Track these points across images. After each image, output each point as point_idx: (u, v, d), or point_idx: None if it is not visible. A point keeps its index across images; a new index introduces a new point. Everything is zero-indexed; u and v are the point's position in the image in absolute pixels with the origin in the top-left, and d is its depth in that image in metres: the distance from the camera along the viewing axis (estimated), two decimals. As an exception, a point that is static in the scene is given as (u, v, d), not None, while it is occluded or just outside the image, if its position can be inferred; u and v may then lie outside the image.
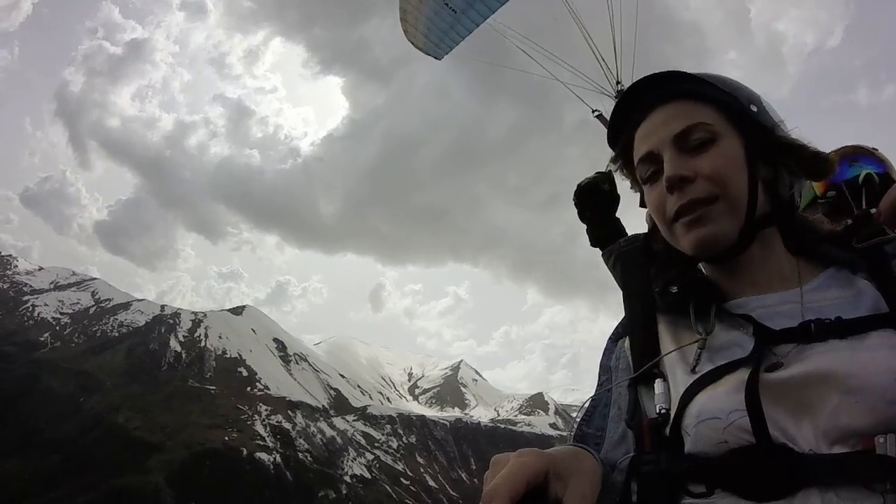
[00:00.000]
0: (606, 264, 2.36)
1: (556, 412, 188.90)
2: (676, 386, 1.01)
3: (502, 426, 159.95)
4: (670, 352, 1.06)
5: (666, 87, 1.10)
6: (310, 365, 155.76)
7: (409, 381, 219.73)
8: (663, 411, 0.99)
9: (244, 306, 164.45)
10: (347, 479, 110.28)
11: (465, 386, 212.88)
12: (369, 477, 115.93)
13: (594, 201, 2.34)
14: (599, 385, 1.22)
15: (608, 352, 1.23)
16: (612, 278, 2.25)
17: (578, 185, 2.32)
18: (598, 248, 2.46)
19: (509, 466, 0.80)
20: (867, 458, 0.82)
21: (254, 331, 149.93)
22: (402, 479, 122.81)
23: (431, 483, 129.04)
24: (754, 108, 1.07)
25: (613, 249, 2.33)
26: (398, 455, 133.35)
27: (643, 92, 1.13)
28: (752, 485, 0.87)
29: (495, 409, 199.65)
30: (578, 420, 1.20)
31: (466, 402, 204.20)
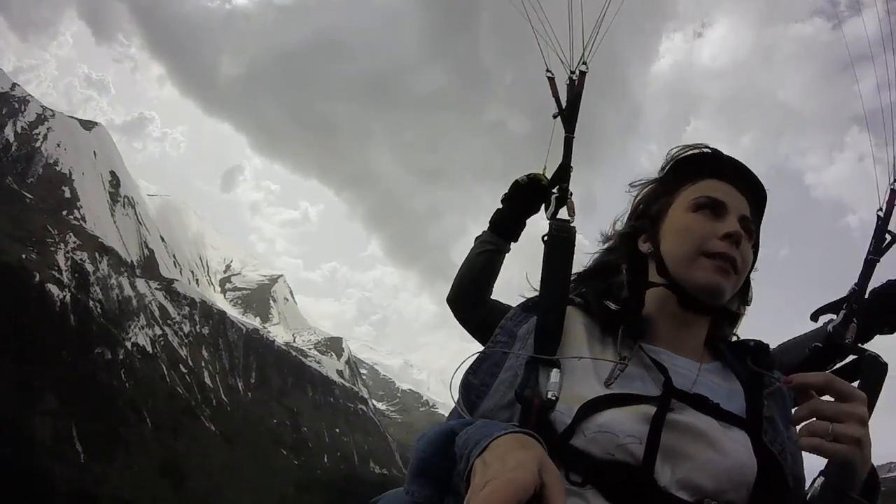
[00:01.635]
0: (477, 243, 2.36)
1: (347, 361, 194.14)
2: (577, 385, 1.17)
3: (294, 353, 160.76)
4: (595, 358, 1.22)
5: (745, 182, 1.35)
6: (135, 214, 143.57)
7: (225, 272, 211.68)
8: (554, 398, 1.14)
9: (97, 123, 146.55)
10: (129, 345, 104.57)
11: (274, 301, 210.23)
12: (150, 351, 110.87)
13: (534, 198, 2.24)
14: (494, 342, 1.31)
15: (516, 318, 1.33)
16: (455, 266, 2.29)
17: (537, 178, 2.18)
18: (488, 230, 2.37)
19: (500, 488, 0.81)
20: None
21: (95, 154, 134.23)
22: (180, 366, 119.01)
23: (208, 381, 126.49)
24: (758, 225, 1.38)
25: (496, 244, 2.33)
26: (186, 341, 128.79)
27: (727, 163, 1.37)
28: (619, 494, 1.05)
29: (293, 335, 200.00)
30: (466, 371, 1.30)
31: (270, 316, 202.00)
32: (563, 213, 1.55)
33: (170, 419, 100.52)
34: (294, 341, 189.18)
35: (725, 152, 1.39)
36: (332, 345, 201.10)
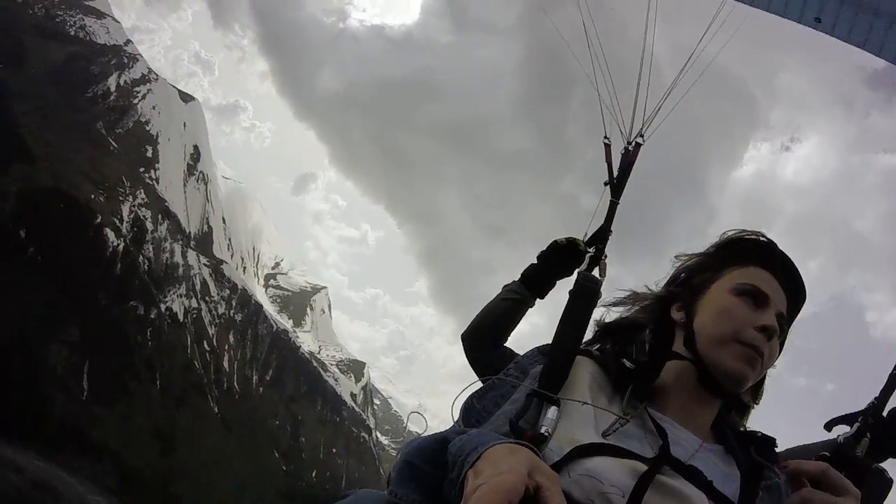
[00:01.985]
0: (504, 290, 2.41)
1: (364, 387, 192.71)
2: (574, 430, 1.19)
3: (315, 364, 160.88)
4: (598, 407, 1.24)
5: (795, 277, 1.38)
6: (206, 191, 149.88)
7: (273, 269, 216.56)
8: (547, 434, 1.17)
9: (194, 98, 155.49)
10: (163, 307, 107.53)
11: (311, 309, 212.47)
12: (181, 320, 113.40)
13: (570, 261, 2.29)
14: (507, 374, 1.38)
15: (532, 357, 1.41)
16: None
17: (576, 243, 2.25)
18: (520, 283, 2.47)
19: (490, 491, 0.84)
20: None
21: (185, 125, 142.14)
22: (204, 343, 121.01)
23: (226, 364, 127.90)
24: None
25: (524, 295, 2.39)
26: (217, 321, 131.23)
27: (778, 256, 1.39)
28: None
29: (320, 346, 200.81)
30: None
31: (303, 323, 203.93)
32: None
33: (179, 388, 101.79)
34: (319, 353, 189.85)
35: None
36: (354, 367, 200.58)
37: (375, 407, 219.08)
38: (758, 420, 1.52)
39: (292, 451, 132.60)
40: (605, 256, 1.88)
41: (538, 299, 2.45)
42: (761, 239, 1.42)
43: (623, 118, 2.03)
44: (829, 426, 1.88)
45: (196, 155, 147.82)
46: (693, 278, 1.43)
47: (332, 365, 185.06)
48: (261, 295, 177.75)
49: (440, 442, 1.08)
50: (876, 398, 1.85)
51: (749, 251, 1.40)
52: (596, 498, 1.08)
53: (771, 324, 1.28)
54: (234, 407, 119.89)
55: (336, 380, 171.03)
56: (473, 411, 1.32)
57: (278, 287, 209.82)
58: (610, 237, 1.93)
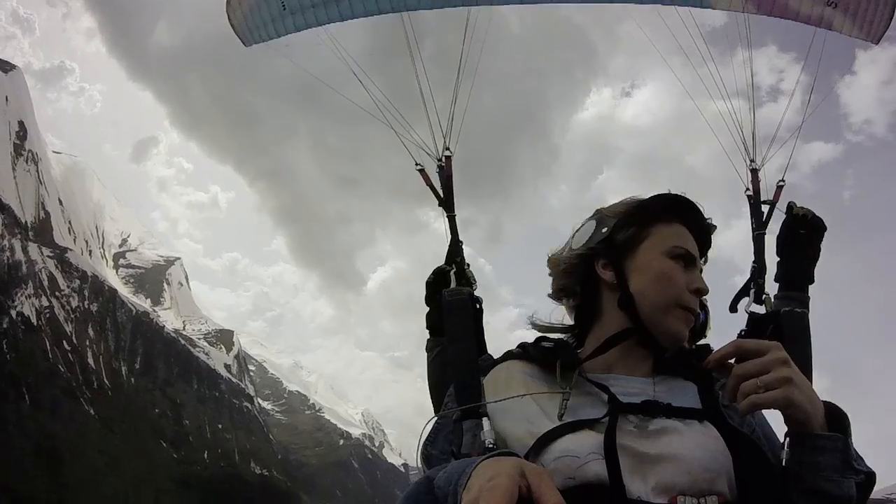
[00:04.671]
0: (427, 352, 2.38)
1: (237, 356, 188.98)
2: (527, 426, 1.23)
3: (182, 342, 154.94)
4: (527, 394, 1.28)
5: (697, 216, 1.46)
6: (37, 172, 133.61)
7: (120, 247, 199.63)
8: (491, 445, 1.23)
9: (15, 66, 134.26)
10: (13, 313, 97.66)
11: (168, 284, 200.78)
12: (35, 323, 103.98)
13: (447, 285, 2.15)
14: (445, 409, 1.40)
15: None
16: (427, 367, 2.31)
17: (441, 268, 2.20)
18: (430, 335, 2.39)
19: (486, 497, 0.86)
20: None
21: (7, 99, 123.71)
22: (64, 343, 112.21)
23: (91, 361, 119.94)
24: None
25: (441, 342, 2.25)
26: (72, 316, 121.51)
27: (684, 205, 1.45)
28: None
29: (184, 322, 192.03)
30: (423, 440, 1.36)
31: (162, 300, 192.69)
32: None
33: (49, 398, 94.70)
34: (184, 329, 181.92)
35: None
36: (223, 337, 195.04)
37: (252, 374, 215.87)
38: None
39: (179, 437, 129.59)
40: (468, 265, 1.95)
41: None
42: (686, 198, 1.45)
43: (426, 143, 2.18)
44: (732, 308, 2.19)
45: (22, 132, 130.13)
46: (616, 234, 1.43)
47: (199, 339, 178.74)
48: (113, 278, 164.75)
49: (425, 483, 1.09)
50: (754, 262, 2.26)
51: (673, 209, 1.44)
52: (576, 472, 1.12)
53: (704, 286, 1.37)
54: (110, 404, 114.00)
55: (207, 354, 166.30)
56: (433, 459, 1.33)
57: (129, 266, 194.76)
58: (462, 246, 1.99)
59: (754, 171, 2.40)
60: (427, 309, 2.31)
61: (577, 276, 1.46)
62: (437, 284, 2.17)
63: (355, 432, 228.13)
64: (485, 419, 1.26)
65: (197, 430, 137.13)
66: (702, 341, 1.44)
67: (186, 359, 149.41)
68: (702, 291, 1.37)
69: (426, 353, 2.36)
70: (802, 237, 2.21)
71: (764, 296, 2.13)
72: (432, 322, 2.31)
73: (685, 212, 1.45)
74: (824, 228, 2.25)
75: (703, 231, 1.47)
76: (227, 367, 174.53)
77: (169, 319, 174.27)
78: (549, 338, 1.46)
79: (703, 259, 1.47)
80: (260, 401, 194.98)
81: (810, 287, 2.25)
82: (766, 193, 2.41)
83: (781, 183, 2.39)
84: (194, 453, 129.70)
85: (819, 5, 2.64)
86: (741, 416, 1.26)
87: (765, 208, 2.40)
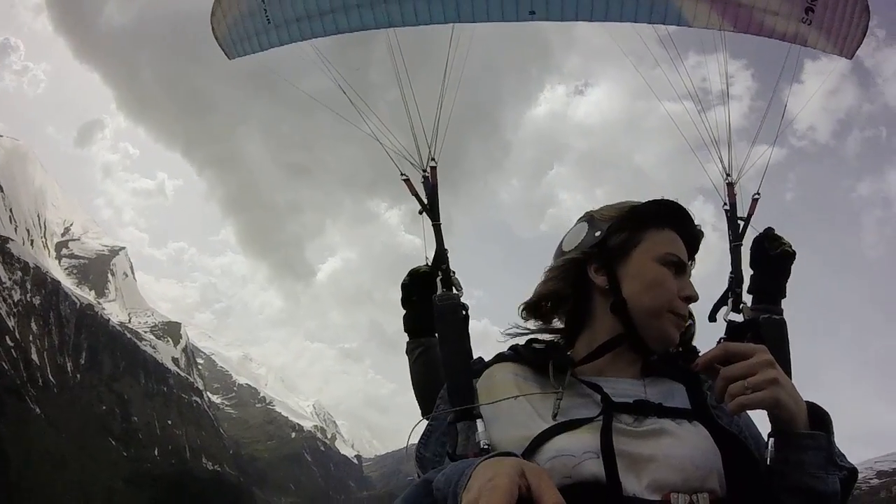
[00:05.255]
0: (409, 354, 2.39)
1: (185, 349, 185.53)
2: (521, 427, 1.25)
3: (128, 335, 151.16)
4: (530, 394, 1.30)
5: (688, 223, 1.48)
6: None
7: (63, 235, 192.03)
8: (486, 446, 1.25)
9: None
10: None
11: (113, 275, 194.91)
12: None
13: (425, 288, 2.21)
14: (437, 411, 1.42)
15: None
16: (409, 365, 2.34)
17: (417, 270, 2.25)
18: (408, 335, 2.41)
19: (486, 497, 0.87)
20: None
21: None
22: (6, 339, 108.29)
23: (35, 357, 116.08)
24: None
25: (423, 343, 2.35)
26: (14, 311, 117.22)
27: (677, 212, 1.47)
28: None
29: (129, 315, 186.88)
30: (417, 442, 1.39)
31: (106, 291, 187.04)
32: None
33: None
34: (129, 322, 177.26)
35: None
36: (170, 329, 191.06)
37: (200, 367, 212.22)
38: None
39: (127, 434, 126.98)
40: (454, 273, 1.97)
41: (434, 336, 2.32)
42: (677, 204, 1.48)
43: (409, 152, 2.22)
44: (711, 318, 2.21)
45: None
46: (609, 239, 1.44)
47: (146, 332, 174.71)
48: (55, 269, 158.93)
49: (423, 485, 1.09)
50: (731, 272, 2.29)
51: (665, 215, 1.46)
52: (573, 471, 1.13)
53: (694, 294, 1.40)
54: (56, 402, 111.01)
55: (154, 347, 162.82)
56: (426, 461, 1.34)
57: (72, 255, 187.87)
58: (447, 254, 2.03)
59: (730, 185, 2.50)
60: (404, 311, 2.38)
61: (568, 279, 1.47)
62: (413, 286, 2.27)
63: (307, 425, 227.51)
64: (479, 421, 1.29)
65: (146, 427, 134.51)
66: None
67: (133, 353, 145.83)
68: (692, 298, 1.41)
69: (407, 356, 2.43)
70: (775, 259, 2.31)
71: (742, 304, 2.26)
72: (411, 324, 2.39)
73: (677, 218, 1.48)
74: (794, 255, 2.36)
75: (693, 238, 1.50)
76: (175, 360, 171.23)
77: (114, 312, 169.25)
78: (539, 339, 1.50)
79: (692, 264, 1.50)
80: (209, 395, 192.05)
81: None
82: (742, 206, 2.48)
83: (756, 196, 2.49)
84: (144, 450, 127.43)
85: (794, 23, 2.67)
86: (730, 416, 1.31)
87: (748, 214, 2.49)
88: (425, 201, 2.13)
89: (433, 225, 2.12)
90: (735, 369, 1.14)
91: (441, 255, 2.04)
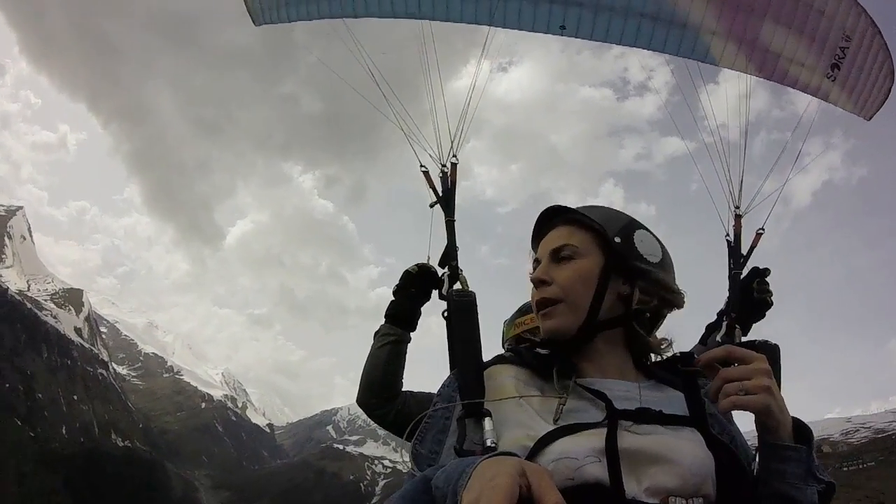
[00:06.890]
0: (378, 337, 2.38)
1: (87, 318, 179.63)
2: (523, 428, 1.26)
3: (28, 305, 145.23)
4: (522, 396, 1.33)
5: (563, 216, 1.52)
6: None
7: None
8: (493, 444, 1.24)
9: None
10: None
11: (10, 238, 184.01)
12: None
13: (427, 286, 2.28)
14: (434, 407, 1.42)
15: (452, 384, 1.43)
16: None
17: (428, 268, 2.27)
18: (388, 322, 2.40)
19: (487, 497, 0.88)
20: None
21: None
22: None
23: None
24: (618, 240, 1.44)
25: (397, 334, 2.35)
26: None
27: (554, 214, 1.53)
28: None
29: (28, 282, 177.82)
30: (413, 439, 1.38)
31: (3, 257, 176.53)
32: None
33: None
34: (28, 290, 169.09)
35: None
36: (71, 297, 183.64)
37: (104, 336, 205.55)
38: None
39: (33, 413, 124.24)
40: (461, 271, 1.98)
41: (412, 332, 2.41)
42: (537, 222, 1.56)
43: (430, 145, 2.21)
44: (704, 340, 2.30)
45: None
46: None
47: (46, 301, 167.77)
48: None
49: (422, 482, 1.10)
50: (728, 299, 2.34)
51: (538, 235, 1.55)
52: (575, 474, 1.15)
53: (532, 278, 1.48)
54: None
55: (55, 317, 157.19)
56: (422, 458, 1.34)
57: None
58: (457, 251, 2.04)
59: (738, 217, 2.52)
60: (393, 297, 2.40)
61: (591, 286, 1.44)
62: (418, 279, 2.32)
63: (217, 394, 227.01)
64: (487, 419, 1.29)
65: (51, 404, 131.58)
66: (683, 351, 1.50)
67: (34, 324, 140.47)
68: (533, 281, 1.49)
69: (374, 338, 2.42)
70: (755, 301, 2.41)
71: (737, 329, 2.35)
72: (398, 311, 2.38)
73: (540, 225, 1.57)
74: (771, 305, 2.46)
75: (545, 221, 1.55)
76: (78, 330, 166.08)
77: (11, 279, 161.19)
78: (541, 344, 1.51)
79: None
80: (115, 366, 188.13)
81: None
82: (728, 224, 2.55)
83: (761, 231, 2.55)
84: (51, 429, 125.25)
85: (819, 77, 2.66)
86: (721, 412, 1.35)
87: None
88: (440, 194, 2.20)
89: (446, 221, 2.19)
90: (733, 371, 1.21)
91: (451, 251, 2.11)
